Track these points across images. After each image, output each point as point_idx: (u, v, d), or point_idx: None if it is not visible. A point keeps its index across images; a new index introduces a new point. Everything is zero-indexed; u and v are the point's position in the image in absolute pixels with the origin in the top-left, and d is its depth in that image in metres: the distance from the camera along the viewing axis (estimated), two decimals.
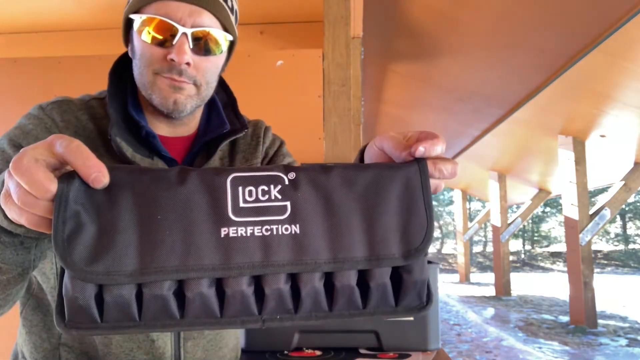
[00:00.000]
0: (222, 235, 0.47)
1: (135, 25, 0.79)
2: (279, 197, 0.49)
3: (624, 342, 6.14)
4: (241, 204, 0.48)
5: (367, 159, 0.64)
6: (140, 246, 0.46)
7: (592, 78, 4.86)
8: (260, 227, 0.48)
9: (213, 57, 0.81)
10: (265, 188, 0.49)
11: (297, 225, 0.48)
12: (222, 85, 0.97)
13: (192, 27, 0.77)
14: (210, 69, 0.82)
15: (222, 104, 0.94)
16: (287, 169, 0.51)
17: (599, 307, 7.24)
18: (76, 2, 2.50)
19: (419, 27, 4.54)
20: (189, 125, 0.90)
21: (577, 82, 4.89)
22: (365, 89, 6.02)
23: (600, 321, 7.07)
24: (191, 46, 0.77)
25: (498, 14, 4.04)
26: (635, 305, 9.13)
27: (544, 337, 6.49)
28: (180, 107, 0.81)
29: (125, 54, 0.88)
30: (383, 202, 0.50)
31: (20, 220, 0.48)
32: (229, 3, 0.83)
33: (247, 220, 0.48)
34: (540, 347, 5.91)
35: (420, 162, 0.55)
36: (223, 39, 0.81)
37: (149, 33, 0.77)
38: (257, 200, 0.48)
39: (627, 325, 7.25)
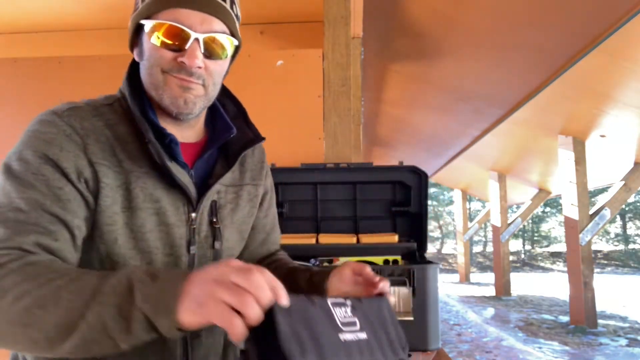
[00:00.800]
0: (342, 340, 0.66)
1: (146, 30, 0.82)
2: (351, 314, 0.70)
3: (624, 342, 6.14)
4: (340, 319, 0.68)
5: (338, 280, 0.87)
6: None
7: (592, 78, 4.86)
8: (354, 334, 0.68)
9: (220, 60, 0.86)
10: (342, 309, 0.70)
11: (364, 333, 0.70)
12: (229, 96, 1.01)
13: (204, 32, 0.81)
14: (217, 71, 0.86)
15: (231, 115, 0.98)
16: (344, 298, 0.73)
17: (599, 307, 7.24)
18: (76, 2, 2.50)
19: (419, 27, 4.54)
20: (196, 130, 0.94)
21: (577, 82, 4.89)
22: (365, 89, 6.03)
23: (600, 321, 7.07)
24: (202, 51, 0.82)
25: (498, 14, 4.04)
26: (635, 305, 9.13)
27: (544, 337, 6.49)
28: (190, 106, 0.84)
29: (133, 63, 0.91)
30: (386, 322, 0.76)
31: (224, 320, 0.57)
32: (235, 10, 0.88)
33: (347, 330, 0.68)
34: (540, 347, 5.91)
35: (384, 298, 0.81)
36: (230, 44, 0.86)
37: (159, 37, 0.81)
38: (344, 317, 0.69)
39: (627, 325, 7.25)
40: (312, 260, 1.57)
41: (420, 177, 1.68)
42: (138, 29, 0.85)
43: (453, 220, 20.03)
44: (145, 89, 0.88)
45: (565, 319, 7.64)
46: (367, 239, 1.63)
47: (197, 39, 0.81)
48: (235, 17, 0.87)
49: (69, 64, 2.30)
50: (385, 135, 9.46)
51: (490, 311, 8.71)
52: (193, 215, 0.88)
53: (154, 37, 0.81)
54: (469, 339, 6.38)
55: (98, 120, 0.84)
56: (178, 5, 0.80)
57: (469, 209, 19.36)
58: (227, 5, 0.85)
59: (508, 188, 10.63)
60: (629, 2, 3.33)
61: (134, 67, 0.91)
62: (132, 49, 0.89)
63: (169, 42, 0.81)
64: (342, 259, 1.59)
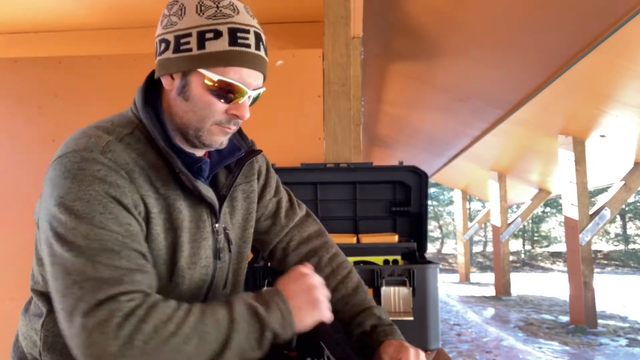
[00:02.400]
0: None
1: (203, 79, 0.85)
2: None
3: (624, 342, 6.14)
4: None
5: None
6: None
7: (592, 78, 4.85)
8: None
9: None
10: None
11: None
12: None
13: (254, 89, 0.89)
14: None
15: (235, 138, 1.04)
16: None
17: (599, 307, 7.23)
18: (76, 2, 2.50)
19: (419, 27, 4.54)
20: (203, 149, 0.99)
21: (577, 82, 4.89)
22: (365, 89, 6.03)
23: (600, 321, 7.07)
24: (249, 104, 0.91)
25: (498, 14, 4.04)
26: (635, 305, 9.12)
27: (544, 337, 6.49)
28: (222, 145, 0.94)
29: (146, 87, 0.93)
30: None
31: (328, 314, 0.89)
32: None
33: None
34: (540, 347, 5.91)
35: None
36: (262, 92, 0.94)
37: (219, 91, 0.86)
38: None
39: (627, 325, 7.25)
40: None
41: (420, 177, 1.68)
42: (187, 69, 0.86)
43: (453, 220, 20.03)
44: (173, 117, 0.91)
45: (565, 319, 7.64)
46: (367, 239, 1.63)
47: (249, 96, 0.89)
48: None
49: (69, 64, 2.30)
50: (385, 135, 9.46)
51: (490, 311, 8.71)
52: (216, 226, 0.96)
53: (210, 87, 0.85)
54: (469, 339, 6.38)
55: (131, 152, 0.86)
56: (243, 65, 0.85)
57: (469, 209, 19.36)
58: (267, 59, 0.91)
59: (508, 188, 10.63)
60: (629, 2, 3.33)
61: (149, 85, 0.93)
62: (160, 77, 0.90)
63: (226, 95, 0.86)
64: None
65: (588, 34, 3.87)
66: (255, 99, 0.93)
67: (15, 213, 2.25)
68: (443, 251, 22.53)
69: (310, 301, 0.86)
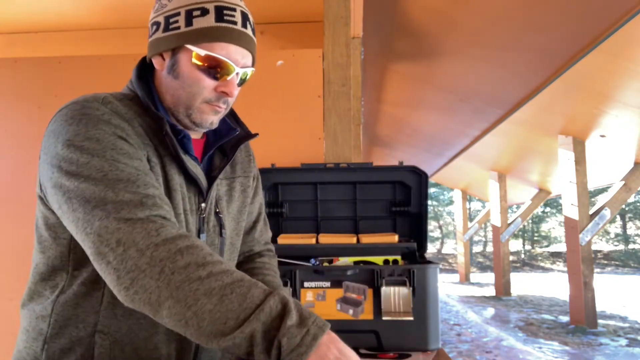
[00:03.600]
0: None
1: (191, 55, 0.88)
2: None
3: (624, 342, 6.14)
4: None
5: None
6: None
7: (592, 78, 4.85)
8: None
9: (242, 85, 0.95)
10: None
11: None
12: None
13: (243, 67, 0.91)
14: (237, 93, 0.95)
15: (229, 120, 1.05)
16: None
17: (599, 307, 7.24)
18: (76, 2, 2.50)
19: (419, 27, 4.54)
20: (199, 132, 1.01)
21: (577, 82, 4.89)
22: (365, 89, 6.02)
23: (600, 321, 7.07)
24: (237, 81, 0.92)
25: (498, 14, 4.04)
26: (635, 305, 9.12)
27: (544, 337, 6.49)
28: (213, 125, 0.95)
29: (140, 65, 0.96)
30: None
31: None
32: (256, 37, 0.95)
33: None
34: (540, 347, 5.91)
35: None
36: (251, 72, 0.95)
37: (207, 66, 0.88)
38: None
39: (627, 325, 7.25)
40: (312, 260, 1.57)
41: (420, 177, 1.68)
42: (176, 47, 0.89)
43: (453, 220, 20.02)
44: (164, 97, 0.94)
45: (565, 319, 7.64)
46: (367, 239, 1.63)
47: (237, 73, 0.90)
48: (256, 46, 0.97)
49: (69, 64, 2.30)
50: (385, 135, 9.46)
51: (490, 311, 8.71)
52: (203, 205, 0.95)
53: (198, 63, 0.88)
54: (469, 339, 6.38)
55: (128, 110, 0.89)
56: (229, 41, 0.88)
57: (469, 209, 19.36)
58: (255, 39, 0.94)
59: (508, 188, 10.63)
60: (629, 2, 3.33)
61: (143, 68, 0.96)
62: (151, 57, 0.93)
63: (214, 72, 0.88)
64: (342, 259, 1.59)
65: (588, 34, 3.87)
66: (243, 80, 0.94)
67: (14, 213, 2.25)
68: (443, 251, 22.53)
69: None
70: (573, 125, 6.48)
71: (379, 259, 1.57)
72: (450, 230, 22.84)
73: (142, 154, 0.85)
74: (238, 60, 0.89)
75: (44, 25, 2.73)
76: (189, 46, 0.87)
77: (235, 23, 0.88)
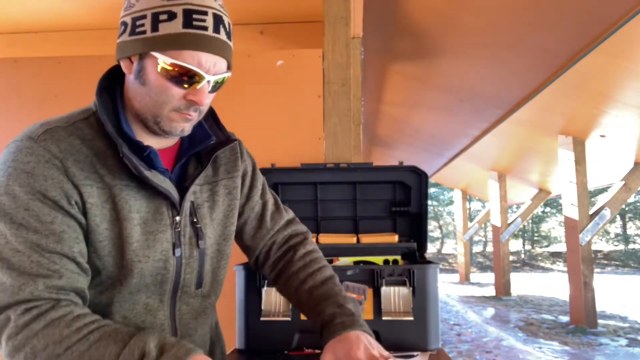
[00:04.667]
0: None
1: (159, 63, 0.82)
2: None
3: (624, 342, 6.14)
4: None
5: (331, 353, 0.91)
6: None
7: (592, 78, 4.85)
8: None
9: (216, 91, 0.91)
10: None
11: None
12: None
13: (214, 74, 0.85)
14: (211, 100, 0.91)
15: (207, 125, 1.00)
16: None
17: (599, 307, 7.24)
18: (76, 2, 2.50)
19: (419, 27, 4.54)
20: (171, 139, 0.96)
21: (577, 82, 4.89)
22: (365, 89, 6.02)
23: (600, 321, 7.07)
24: (209, 89, 0.86)
25: (498, 14, 4.04)
26: (635, 305, 9.12)
27: (544, 337, 6.49)
28: (184, 133, 0.90)
29: (109, 73, 0.93)
30: None
31: None
32: (232, 43, 0.89)
33: None
34: (540, 347, 5.91)
35: None
36: (226, 78, 0.90)
37: (174, 75, 0.83)
38: None
39: (627, 325, 7.25)
40: None
41: (420, 177, 1.68)
42: (142, 51, 0.84)
43: (453, 220, 20.02)
44: (131, 104, 0.89)
45: (565, 319, 7.64)
46: (367, 239, 1.63)
47: (208, 81, 0.84)
48: (232, 50, 0.90)
49: (68, 64, 2.30)
50: (385, 135, 9.46)
51: (490, 311, 8.71)
52: (177, 218, 0.92)
53: (165, 71, 0.82)
54: (469, 339, 6.38)
55: (74, 139, 0.85)
56: (199, 49, 0.81)
57: (469, 209, 19.36)
58: (231, 43, 0.88)
59: (508, 188, 10.63)
60: (629, 2, 3.33)
61: (107, 77, 0.92)
62: (119, 60, 0.89)
63: (182, 80, 0.83)
64: (342, 259, 1.59)
65: (588, 34, 3.87)
66: (219, 85, 0.88)
67: None
68: (443, 251, 22.53)
69: None
70: (573, 125, 6.48)
71: (379, 259, 1.57)
72: (450, 230, 22.84)
73: (67, 205, 0.81)
74: (209, 69, 0.84)
75: (44, 25, 2.72)
76: (154, 53, 0.81)
77: (205, 29, 0.81)
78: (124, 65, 0.88)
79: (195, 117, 0.88)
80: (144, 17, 0.82)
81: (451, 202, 21.39)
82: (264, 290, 1.39)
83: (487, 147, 8.23)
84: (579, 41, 4.01)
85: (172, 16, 0.80)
